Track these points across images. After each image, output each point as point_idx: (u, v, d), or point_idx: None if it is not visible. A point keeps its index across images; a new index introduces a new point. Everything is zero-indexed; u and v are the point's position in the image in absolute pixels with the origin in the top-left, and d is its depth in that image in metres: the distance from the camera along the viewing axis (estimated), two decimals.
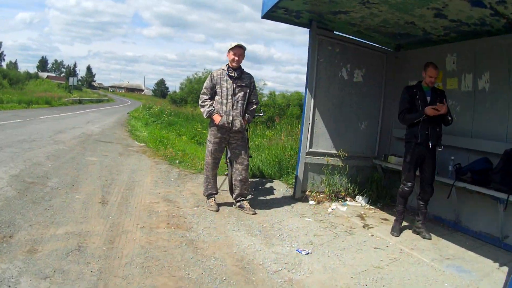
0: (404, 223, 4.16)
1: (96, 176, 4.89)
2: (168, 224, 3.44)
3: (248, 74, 4.18)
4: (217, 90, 4.04)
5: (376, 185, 5.25)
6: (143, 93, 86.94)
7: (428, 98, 3.85)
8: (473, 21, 3.93)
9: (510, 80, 4.01)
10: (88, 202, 3.80)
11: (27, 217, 3.18)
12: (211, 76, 4.07)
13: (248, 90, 4.13)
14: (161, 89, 75.19)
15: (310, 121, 4.92)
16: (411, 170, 3.89)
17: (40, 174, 4.67)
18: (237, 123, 4.04)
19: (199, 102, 4.13)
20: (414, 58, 5.28)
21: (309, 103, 4.91)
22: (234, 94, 4.03)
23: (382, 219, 4.52)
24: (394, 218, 4.09)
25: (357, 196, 5.19)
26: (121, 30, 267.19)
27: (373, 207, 4.96)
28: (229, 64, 4.05)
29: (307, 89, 4.88)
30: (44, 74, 59.27)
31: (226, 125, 4.00)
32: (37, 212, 3.32)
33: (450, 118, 3.81)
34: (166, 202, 4.15)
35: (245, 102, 4.12)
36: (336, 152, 5.12)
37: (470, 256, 3.52)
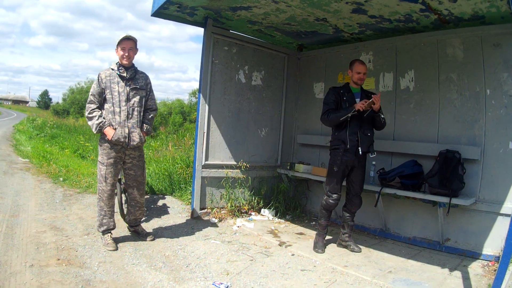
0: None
1: None
2: (59, 260, 2.95)
3: (143, 73, 3.41)
4: (107, 96, 3.22)
5: (283, 196, 4.88)
6: (28, 105, 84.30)
7: (358, 100, 3.39)
8: (397, 17, 3.65)
9: (440, 79, 3.78)
10: None
11: None
12: (98, 79, 3.23)
13: (144, 94, 3.37)
14: (45, 101, 71.06)
15: (205, 130, 4.37)
16: (337, 181, 3.43)
17: None
18: (135, 137, 3.27)
19: (86, 114, 3.27)
20: (319, 59, 5.01)
21: (203, 110, 4.36)
22: (128, 100, 3.25)
23: (297, 233, 4.15)
24: (316, 232, 3.63)
25: (262, 210, 4.78)
26: (11, 40, 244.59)
27: (282, 221, 4.59)
28: (120, 62, 3.28)
29: (201, 95, 4.33)
30: None
31: (122, 140, 3.21)
32: None
33: (383, 117, 3.40)
34: (54, 231, 3.62)
35: (142, 109, 3.36)
36: (235, 163, 4.64)
37: (413, 265, 3.22)
